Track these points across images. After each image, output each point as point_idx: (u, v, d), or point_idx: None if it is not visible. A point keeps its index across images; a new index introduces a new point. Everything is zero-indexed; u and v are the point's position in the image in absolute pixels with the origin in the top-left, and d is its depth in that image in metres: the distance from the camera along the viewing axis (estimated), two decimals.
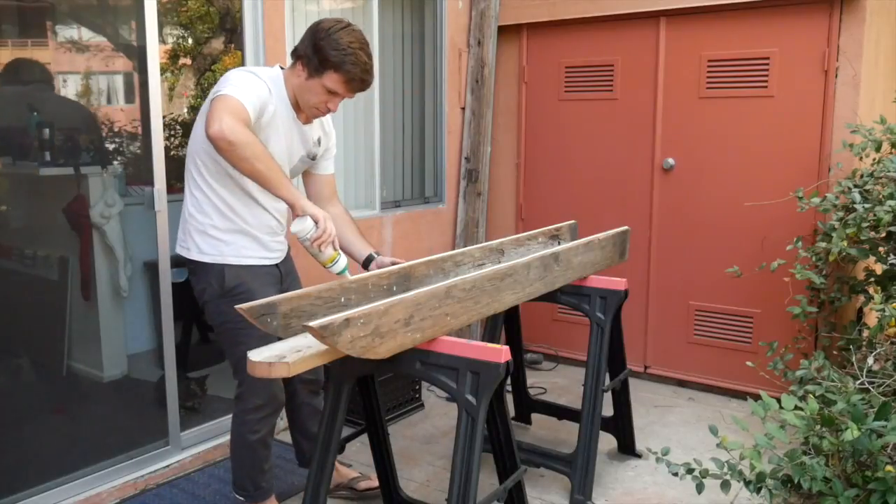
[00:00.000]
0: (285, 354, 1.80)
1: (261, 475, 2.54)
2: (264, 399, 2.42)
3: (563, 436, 3.38)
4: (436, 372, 2.01)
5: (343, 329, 1.73)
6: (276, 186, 2.05)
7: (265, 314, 1.89)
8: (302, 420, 2.80)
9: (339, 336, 1.73)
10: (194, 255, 2.33)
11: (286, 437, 3.40)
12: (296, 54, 2.27)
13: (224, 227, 2.31)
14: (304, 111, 2.33)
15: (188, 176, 2.33)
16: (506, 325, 3.25)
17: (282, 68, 2.36)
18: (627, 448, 3.17)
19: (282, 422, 3.46)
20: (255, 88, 2.14)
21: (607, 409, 3.10)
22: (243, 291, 2.29)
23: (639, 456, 3.14)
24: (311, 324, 1.69)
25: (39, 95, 2.88)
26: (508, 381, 3.35)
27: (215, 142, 1.98)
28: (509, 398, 3.32)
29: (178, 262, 3.39)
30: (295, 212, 2.10)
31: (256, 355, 1.80)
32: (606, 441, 3.16)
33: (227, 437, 3.22)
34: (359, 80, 2.22)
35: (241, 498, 2.55)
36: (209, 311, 2.38)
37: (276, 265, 2.48)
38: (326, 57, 2.17)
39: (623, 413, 3.13)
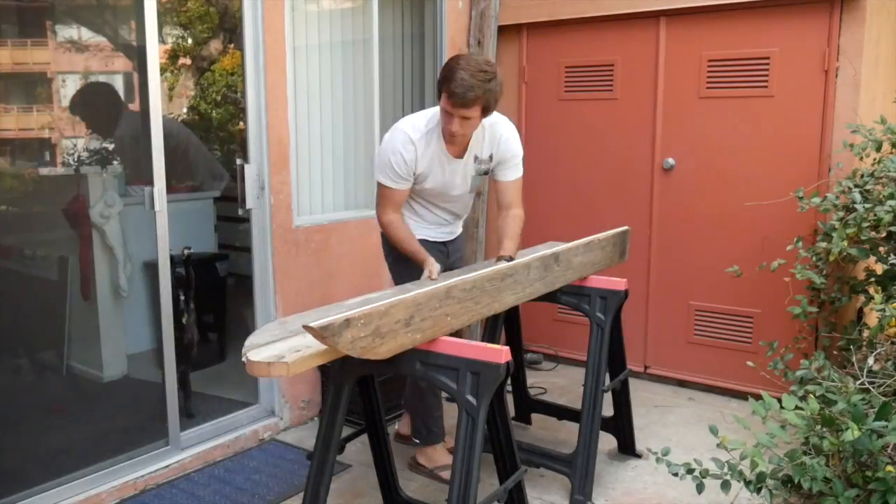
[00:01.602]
0: (284, 354, 1.80)
1: (432, 420, 2.98)
2: None
3: (563, 436, 3.38)
4: (436, 372, 2.01)
5: (343, 329, 1.73)
6: (411, 257, 2.69)
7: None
8: None
9: (340, 336, 1.73)
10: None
11: (286, 437, 3.41)
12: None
13: (412, 220, 2.89)
14: (462, 151, 2.69)
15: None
16: (506, 325, 3.25)
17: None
18: (627, 448, 3.17)
19: (282, 421, 3.46)
20: (394, 166, 2.62)
21: (607, 409, 3.10)
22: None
23: (639, 456, 3.14)
24: (312, 324, 1.69)
25: None
26: (508, 381, 3.38)
27: (379, 224, 2.76)
28: (509, 398, 3.31)
29: (178, 262, 3.39)
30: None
31: (255, 355, 1.80)
32: (606, 441, 3.15)
33: (227, 438, 3.23)
34: (455, 94, 2.42)
35: (417, 441, 3.02)
36: (390, 271, 2.96)
37: (444, 242, 2.99)
38: (440, 77, 2.49)
39: (623, 413, 3.13)
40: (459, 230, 3.09)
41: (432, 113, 2.66)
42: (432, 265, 2.60)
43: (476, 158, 2.74)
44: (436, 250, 2.88)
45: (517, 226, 2.80)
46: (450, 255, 3.02)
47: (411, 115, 2.72)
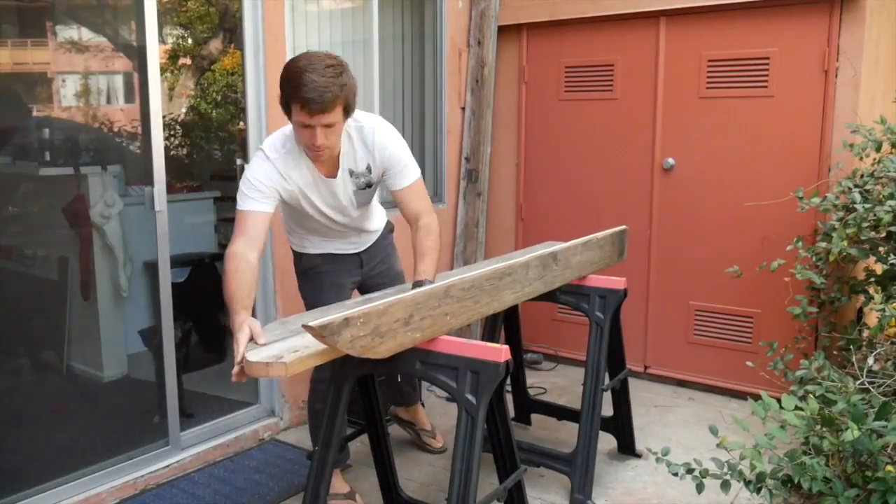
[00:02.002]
0: (283, 354, 1.80)
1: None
2: (323, 374, 2.55)
3: (563, 436, 3.38)
4: (435, 371, 2.01)
5: (342, 329, 1.73)
6: (230, 314, 2.04)
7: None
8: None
9: (339, 336, 1.73)
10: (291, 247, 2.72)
11: (286, 436, 3.41)
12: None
13: (310, 241, 2.65)
14: (334, 168, 2.35)
15: None
16: (505, 325, 3.25)
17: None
18: (627, 448, 3.17)
19: (282, 421, 3.46)
20: (257, 183, 2.24)
21: (607, 409, 3.10)
22: (319, 272, 2.65)
23: (639, 456, 3.14)
24: (311, 323, 1.69)
25: None
26: (508, 381, 3.38)
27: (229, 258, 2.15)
28: (509, 399, 3.32)
29: (178, 262, 3.40)
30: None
31: (254, 355, 1.80)
32: (606, 441, 3.16)
33: (227, 438, 3.24)
34: (312, 101, 2.06)
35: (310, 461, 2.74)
36: (299, 288, 2.74)
37: (356, 253, 2.71)
38: (284, 92, 2.13)
39: (623, 413, 3.12)
40: (373, 238, 2.75)
41: (287, 133, 2.32)
42: (241, 329, 1.94)
43: (352, 173, 2.40)
44: (348, 263, 2.69)
45: (431, 240, 2.40)
46: (364, 264, 2.74)
47: (273, 135, 2.38)
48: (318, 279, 2.65)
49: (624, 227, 3.24)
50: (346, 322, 1.73)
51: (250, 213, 2.21)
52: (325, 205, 2.43)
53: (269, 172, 2.26)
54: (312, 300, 2.63)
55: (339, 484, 2.79)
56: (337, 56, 2.17)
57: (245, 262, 2.11)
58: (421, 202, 2.47)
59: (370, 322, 1.79)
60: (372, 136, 2.39)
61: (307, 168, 2.32)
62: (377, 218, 2.77)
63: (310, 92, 2.05)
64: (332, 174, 2.36)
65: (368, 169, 2.42)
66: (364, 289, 2.78)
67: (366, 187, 2.47)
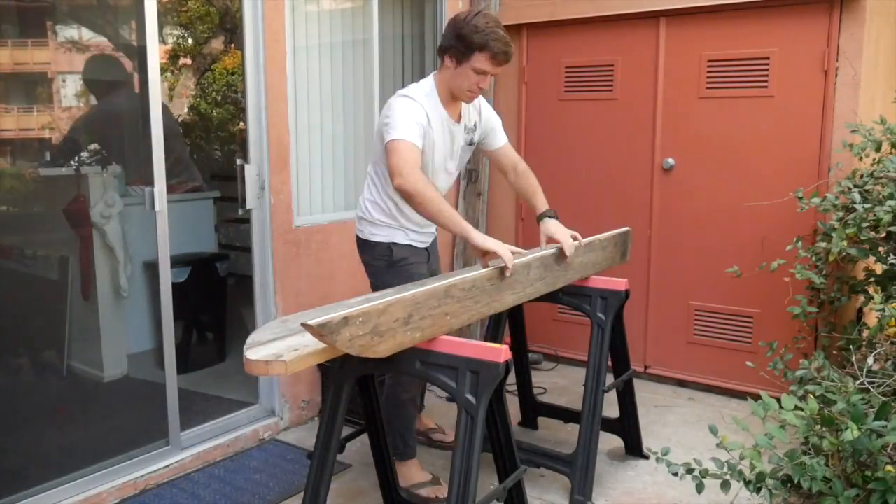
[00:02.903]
0: (282, 353, 1.80)
1: (410, 433, 2.85)
2: None
3: (564, 436, 3.38)
4: (435, 371, 2.01)
5: (341, 327, 1.73)
6: (452, 228, 2.37)
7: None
8: None
9: (338, 335, 1.73)
10: (367, 237, 2.79)
11: (286, 436, 3.41)
12: (442, 50, 2.54)
13: (395, 223, 2.75)
14: (459, 97, 2.60)
15: (369, 178, 2.77)
16: (511, 328, 3.25)
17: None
18: (634, 450, 3.16)
19: (282, 421, 3.46)
20: (415, 122, 2.44)
21: (613, 411, 3.10)
22: (409, 264, 2.75)
23: (646, 457, 3.13)
24: (310, 322, 1.69)
25: None
26: (514, 384, 3.38)
27: (402, 194, 2.37)
28: (514, 402, 3.31)
29: (178, 262, 3.40)
30: (472, 244, 2.33)
31: (253, 354, 1.80)
32: (607, 441, 3.16)
33: (227, 438, 3.23)
34: (503, 53, 2.45)
35: (395, 458, 2.78)
36: (374, 282, 2.81)
37: (426, 248, 2.87)
38: (471, 41, 2.44)
39: (629, 414, 3.12)
40: (434, 234, 2.95)
41: (422, 83, 2.62)
42: (490, 244, 2.30)
43: (465, 127, 2.72)
44: (423, 257, 2.82)
45: (534, 177, 2.86)
46: (430, 257, 2.91)
47: (405, 88, 2.61)
48: (407, 271, 2.72)
49: (627, 228, 3.24)
50: (344, 321, 1.73)
51: (413, 145, 2.39)
52: (447, 151, 2.66)
53: (418, 111, 2.48)
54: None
55: (419, 474, 2.86)
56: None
57: (429, 181, 2.39)
58: (515, 153, 2.92)
59: (369, 321, 1.79)
60: (480, 101, 2.76)
61: (441, 112, 2.59)
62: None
63: (505, 46, 2.45)
64: (458, 119, 2.67)
65: (475, 126, 2.76)
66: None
67: (469, 144, 2.77)
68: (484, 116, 2.79)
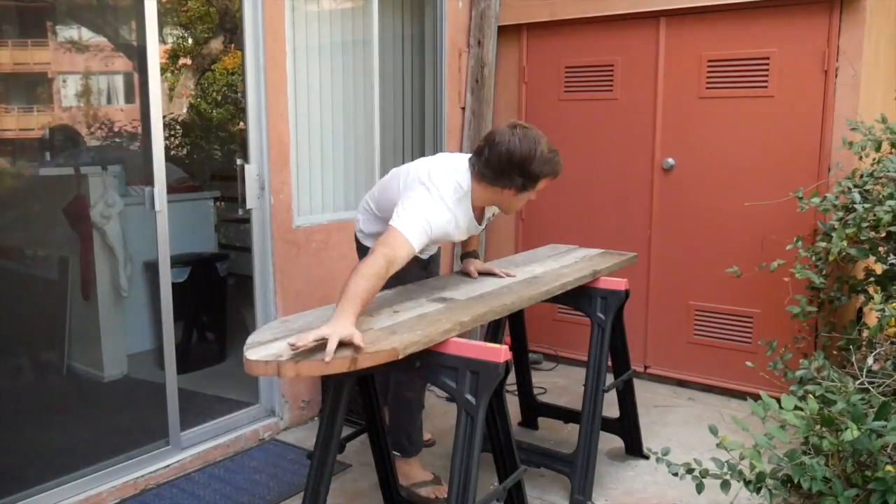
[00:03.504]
0: (282, 353, 1.80)
1: (415, 430, 2.85)
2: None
3: (564, 436, 3.38)
4: (435, 371, 2.01)
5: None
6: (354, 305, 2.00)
7: None
8: None
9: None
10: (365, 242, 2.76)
11: (286, 436, 3.41)
12: (500, 183, 2.35)
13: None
14: (507, 211, 2.61)
15: (368, 208, 2.75)
16: (511, 330, 3.25)
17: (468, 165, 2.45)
18: (634, 449, 3.17)
19: (282, 421, 3.46)
20: (430, 230, 2.29)
21: (612, 411, 3.10)
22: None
23: (646, 457, 3.13)
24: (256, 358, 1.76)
25: None
26: (514, 384, 3.38)
27: (374, 256, 2.12)
28: (514, 402, 3.31)
29: (178, 261, 3.40)
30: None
31: (253, 354, 1.80)
32: (607, 441, 3.16)
33: (227, 438, 3.23)
34: (556, 173, 2.41)
35: (397, 454, 2.81)
36: None
37: (427, 259, 2.88)
38: (537, 174, 2.33)
39: (629, 414, 3.12)
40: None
41: (457, 184, 2.41)
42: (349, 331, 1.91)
43: (488, 219, 2.70)
44: (418, 266, 2.78)
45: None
46: (427, 264, 2.92)
47: (439, 174, 2.42)
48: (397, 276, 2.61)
49: (633, 254, 3.29)
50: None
51: (410, 248, 2.22)
52: (455, 237, 2.55)
53: (447, 221, 2.37)
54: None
55: (421, 472, 2.87)
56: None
57: (386, 276, 2.12)
58: None
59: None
60: None
61: (468, 215, 2.48)
62: None
63: (559, 166, 2.39)
64: (481, 219, 2.59)
65: (493, 215, 2.71)
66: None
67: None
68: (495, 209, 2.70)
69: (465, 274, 2.72)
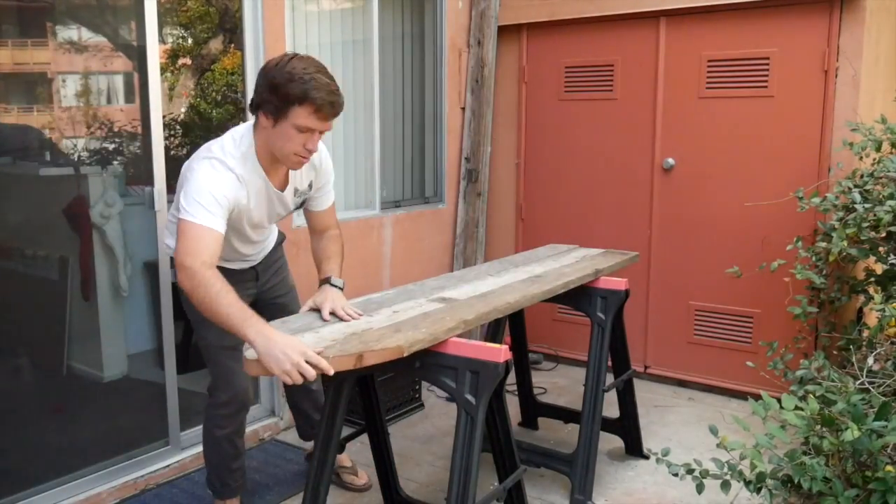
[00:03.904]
0: None
1: (228, 473, 2.57)
2: (229, 395, 2.45)
3: (564, 436, 3.38)
4: (435, 371, 2.01)
5: None
6: (232, 330, 1.87)
7: None
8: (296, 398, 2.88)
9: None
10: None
11: (286, 436, 3.41)
12: (254, 106, 2.06)
13: None
14: (284, 163, 2.13)
15: (172, 216, 2.32)
16: (510, 328, 3.25)
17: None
18: (635, 449, 3.17)
19: (282, 421, 3.46)
20: (220, 199, 2.00)
21: (612, 411, 3.10)
22: None
23: (646, 457, 3.13)
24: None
25: None
26: (514, 384, 3.38)
27: (179, 278, 1.93)
28: (514, 402, 3.31)
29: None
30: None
31: (252, 354, 1.80)
32: (607, 441, 3.16)
33: None
34: (328, 104, 1.97)
35: (210, 492, 2.63)
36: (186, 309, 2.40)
37: (252, 267, 2.51)
38: (287, 92, 1.95)
39: (629, 414, 3.12)
40: (268, 249, 2.54)
41: (239, 137, 2.12)
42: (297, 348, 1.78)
43: (296, 191, 2.29)
44: (244, 278, 2.43)
45: (339, 245, 2.39)
46: (260, 276, 2.53)
47: (216, 142, 2.14)
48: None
49: (635, 253, 3.28)
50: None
51: (211, 232, 1.95)
52: (261, 216, 2.24)
53: (232, 184, 2.05)
54: (208, 326, 2.09)
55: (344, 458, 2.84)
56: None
57: (222, 279, 1.91)
58: (334, 218, 2.45)
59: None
60: (320, 154, 2.26)
61: (261, 179, 2.15)
62: (275, 229, 2.60)
63: (329, 95, 1.96)
64: (282, 187, 2.23)
65: (310, 186, 2.31)
66: (260, 304, 2.51)
67: (300, 205, 2.36)
68: (322, 173, 2.32)
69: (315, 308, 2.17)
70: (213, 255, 1.95)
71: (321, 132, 2.05)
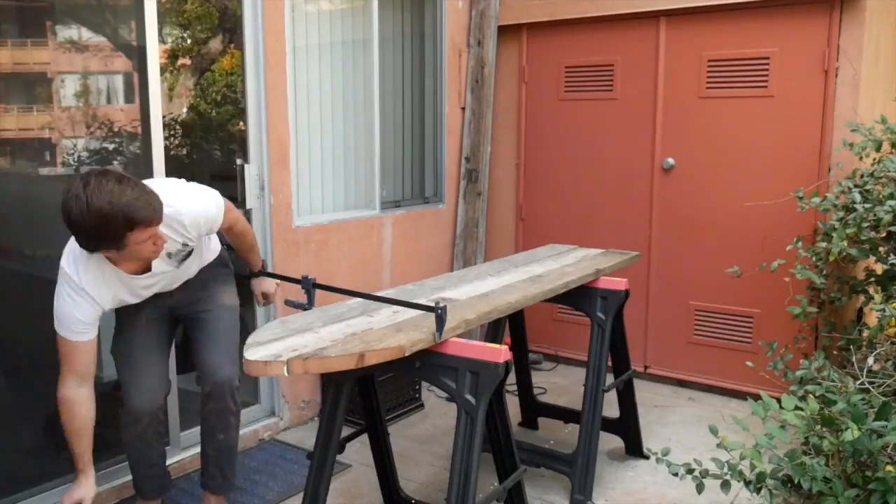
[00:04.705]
0: (282, 353, 1.80)
1: (139, 476, 2.58)
2: (126, 406, 2.47)
3: (564, 436, 3.38)
4: (435, 372, 2.01)
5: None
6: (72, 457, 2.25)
7: None
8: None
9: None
10: None
11: (286, 436, 3.41)
12: (92, 250, 2.04)
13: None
14: (145, 261, 2.18)
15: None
16: (510, 328, 3.25)
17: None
18: (635, 449, 3.17)
19: (282, 421, 3.46)
20: (80, 318, 2.13)
21: (612, 411, 3.10)
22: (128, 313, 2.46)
23: (646, 457, 3.13)
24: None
25: None
26: (514, 384, 3.38)
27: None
28: (515, 402, 3.31)
29: None
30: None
31: (252, 354, 1.80)
32: (607, 441, 3.16)
33: None
34: (152, 212, 1.97)
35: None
36: None
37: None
38: (110, 233, 1.94)
39: (629, 414, 3.12)
40: (195, 270, 2.47)
41: (78, 254, 2.12)
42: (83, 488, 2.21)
43: (170, 255, 2.25)
44: (153, 298, 2.40)
45: (250, 236, 2.59)
46: (175, 293, 2.47)
47: (68, 255, 2.16)
48: (128, 323, 2.44)
49: (636, 253, 3.29)
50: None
51: (77, 345, 2.14)
52: (151, 290, 2.32)
53: (87, 307, 2.14)
54: (120, 349, 2.49)
55: None
56: (103, 173, 1.96)
57: (79, 406, 2.19)
58: (232, 214, 2.43)
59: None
60: (181, 219, 2.18)
61: (114, 277, 2.18)
62: (207, 253, 2.53)
63: (146, 207, 1.95)
64: (144, 270, 2.22)
65: (185, 244, 2.26)
66: (180, 317, 2.55)
67: (187, 256, 2.34)
68: (193, 231, 2.23)
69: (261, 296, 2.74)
70: (86, 365, 2.19)
71: (157, 236, 2.05)
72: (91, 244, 2.00)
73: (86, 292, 2.13)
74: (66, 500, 2.21)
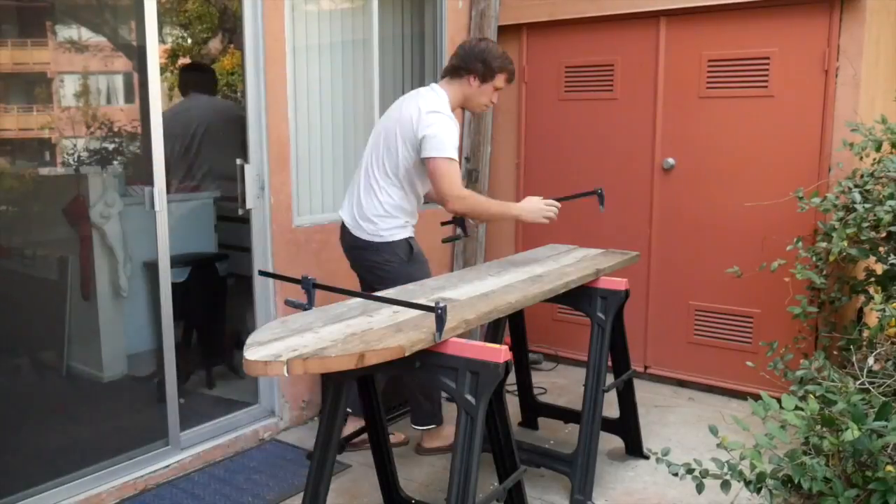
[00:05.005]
0: (282, 353, 1.80)
1: (438, 404, 3.19)
2: None
3: (564, 436, 3.38)
4: (435, 372, 2.01)
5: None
6: (505, 218, 3.15)
7: None
8: None
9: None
10: (386, 237, 2.94)
11: (286, 436, 3.41)
12: (462, 71, 2.90)
13: (410, 221, 3.03)
14: (474, 110, 3.08)
15: (386, 180, 2.95)
16: (510, 328, 3.25)
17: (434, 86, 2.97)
18: (635, 449, 3.17)
19: (282, 421, 3.46)
20: (456, 142, 2.81)
21: (612, 411, 3.10)
22: (422, 253, 3.05)
23: (646, 457, 3.13)
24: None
25: None
26: (514, 384, 3.38)
27: (460, 213, 2.94)
28: (514, 402, 3.31)
29: (178, 262, 3.40)
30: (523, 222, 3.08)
31: (252, 354, 1.80)
32: (607, 441, 3.15)
33: (227, 438, 3.23)
34: (513, 74, 2.99)
35: (422, 427, 3.21)
36: (393, 277, 2.85)
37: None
38: (493, 65, 2.88)
39: (629, 414, 3.12)
40: None
41: (442, 95, 2.90)
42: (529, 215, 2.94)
43: None
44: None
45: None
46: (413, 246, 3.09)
47: (431, 99, 2.87)
48: (424, 261, 3.04)
49: (636, 253, 3.30)
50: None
51: (458, 167, 2.81)
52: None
53: (456, 131, 2.82)
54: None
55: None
56: None
57: (473, 194, 2.92)
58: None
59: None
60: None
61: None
62: None
63: (513, 68, 2.97)
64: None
65: None
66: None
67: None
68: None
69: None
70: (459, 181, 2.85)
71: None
72: (473, 63, 2.87)
73: (456, 124, 2.85)
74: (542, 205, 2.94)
